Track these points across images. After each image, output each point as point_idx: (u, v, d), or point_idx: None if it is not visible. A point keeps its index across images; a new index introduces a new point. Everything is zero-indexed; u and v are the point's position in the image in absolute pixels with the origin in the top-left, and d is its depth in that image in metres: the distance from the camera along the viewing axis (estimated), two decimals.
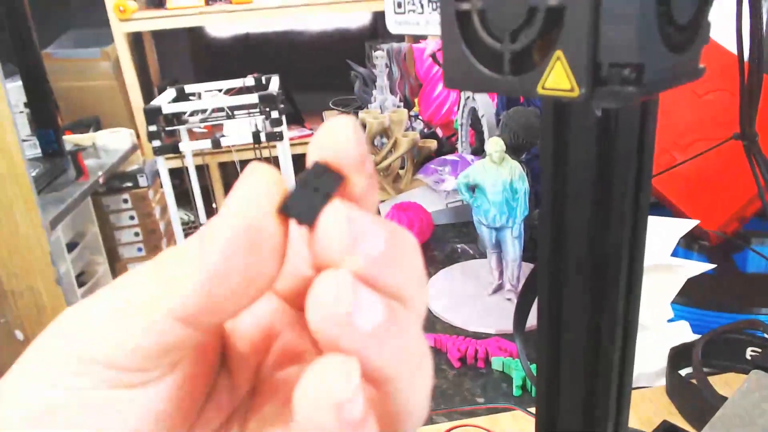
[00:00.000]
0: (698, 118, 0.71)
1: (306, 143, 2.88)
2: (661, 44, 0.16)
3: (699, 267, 0.56)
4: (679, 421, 0.52)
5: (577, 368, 0.29)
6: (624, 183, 0.24)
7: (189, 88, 2.03)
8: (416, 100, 1.45)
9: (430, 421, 0.56)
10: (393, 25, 0.77)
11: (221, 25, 2.86)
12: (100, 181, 1.90)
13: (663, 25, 0.16)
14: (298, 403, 0.14)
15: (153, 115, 1.76)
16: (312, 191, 0.15)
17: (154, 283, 0.15)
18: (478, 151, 1.12)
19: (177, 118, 1.86)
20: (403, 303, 0.15)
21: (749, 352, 0.57)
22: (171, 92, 1.99)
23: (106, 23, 2.27)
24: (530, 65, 0.18)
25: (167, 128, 1.83)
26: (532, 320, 0.53)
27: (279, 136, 1.90)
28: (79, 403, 0.15)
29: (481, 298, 0.76)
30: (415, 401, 0.16)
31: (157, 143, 1.77)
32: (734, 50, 0.68)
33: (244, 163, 2.60)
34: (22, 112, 1.90)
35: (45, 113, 1.87)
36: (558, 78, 0.17)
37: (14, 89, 1.80)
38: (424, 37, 2.40)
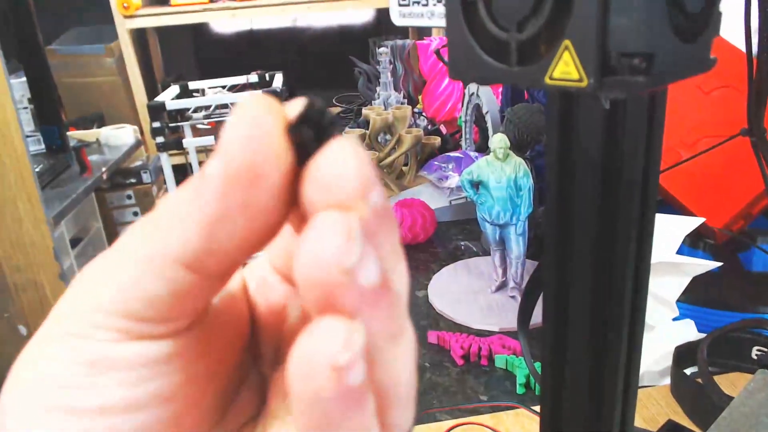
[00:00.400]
0: (704, 116, 0.70)
1: None
2: (671, 33, 0.16)
3: (705, 265, 0.56)
4: (683, 421, 0.52)
5: (582, 366, 0.29)
6: (631, 177, 0.24)
7: (193, 85, 2.03)
8: (420, 97, 1.44)
9: (433, 418, 0.56)
10: (397, 18, 0.76)
11: (225, 22, 2.86)
12: (104, 176, 1.90)
13: (673, 14, 0.16)
14: (293, 369, 0.13)
15: (157, 111, 1.76)
16: (314, 118, 0.14)
17: (155, 229, 0.15)
18: (482, 148, 1.11)
19: (181, 114, 1.86)
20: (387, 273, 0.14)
21: (755, 352, 0.56)
22: (175, 88, 1.99)
23: (111, 19, 2.27)
24: (537, 56, 0.18)
25: (171, 124, 1.83)
26: (536, 318, 0.52)
27: None
28: (105, 358, 0.14)
29: (484, 296, 0.76)
30: (397, 378, 0.15)
31: (160, 139, 1.77)
32: (740, 46, 0.67)
33: None
34: (26, 107, 1.90)
35: (49, 109, 1.87)
36: (566, 68, 0.16)
37: (18, 85, 1.80)
38: (428, 34, 2.39)
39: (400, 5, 0.72)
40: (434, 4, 0.70)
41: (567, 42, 0.16)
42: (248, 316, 0.19)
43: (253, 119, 0.14)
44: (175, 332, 0.15)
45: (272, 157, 0.13)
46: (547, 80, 0.17)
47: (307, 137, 0.13)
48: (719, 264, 0.56)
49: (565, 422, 0.31)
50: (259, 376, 0.19)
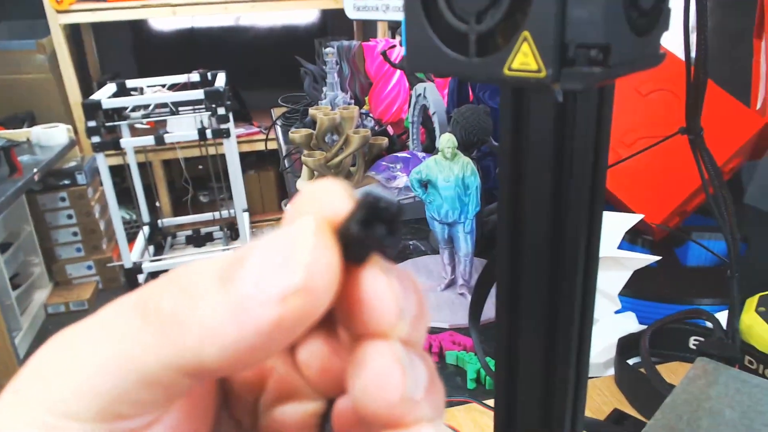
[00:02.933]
0: (641, 117, 0.73)
1: (253, 140, 2.78)
2: (627, 27, 0.16)
3: (644, 259, 0.58)
4: (628, 409, 0.54)
5: (535, 359, 0.29)
6: (582, 170, 0.24)
7: (131, 83, 1.97)
8: (367, 98, 1.44)
9: None
10: (351, 11, 0.75)
11: (165, 19, 2.79)
12: (35, 178, 1.81)
13: (628, 8, 0.16)
14: None
15: (92, 109, 1.69)
16: (367, 231, 0.13)
17: (156, 331, 0.13)
18: (429, 148, 1.12)
19: (118, 113, 1.80)
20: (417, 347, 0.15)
21: (692, 341, 0.59)
22: (111, 87, 1.92)
23: (43, 14, 2.17)
24: (495, 47, 0.18)
25: (107, 124, 1.76)
26: (485, 314, 0.53)
27: (226, 133, 1.86)
28: None
29: (433, 293, 0.76)
30: None
31: (96, 139, 1.71)
32: (674, 50, 0.70)
33: (188, 160, 2.52)
34: None
35: None
36: (525, 59, 0.17)
37: None
38: (374, 35, 2.38)
39: None
40: None
41: (526, 33, 0.16)
42: (220, 384, 0.18)
43: (317, 252, 0.13)
44: (147, 424, 0.14)
45: (327, 302, 0.13)
46: (506, 71, 0.17)
47: (356, 242, 0.13)
48: (658, 258, 0.58)
49: (519, 415, 0.31)
50: (231, 420, 0.18)
